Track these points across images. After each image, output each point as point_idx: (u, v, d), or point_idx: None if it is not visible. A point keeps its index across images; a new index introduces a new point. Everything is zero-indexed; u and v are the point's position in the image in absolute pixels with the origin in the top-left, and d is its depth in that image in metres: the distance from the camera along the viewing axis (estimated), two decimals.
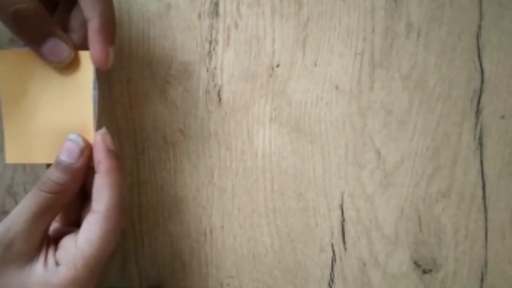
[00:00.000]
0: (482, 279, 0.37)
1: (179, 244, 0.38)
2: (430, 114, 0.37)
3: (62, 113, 0.30)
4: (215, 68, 0.37)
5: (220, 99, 0.37)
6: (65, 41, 0.29)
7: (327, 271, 0.37)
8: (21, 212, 0.28)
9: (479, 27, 0.37)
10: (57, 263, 0.29)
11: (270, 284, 0.37)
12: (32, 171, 0.37)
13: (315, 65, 0.37)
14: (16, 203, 0.37)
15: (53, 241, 0.30)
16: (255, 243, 0.37)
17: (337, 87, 0.37)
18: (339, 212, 0.37)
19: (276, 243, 0.37)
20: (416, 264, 0.37)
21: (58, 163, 0.29)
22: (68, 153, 0.29)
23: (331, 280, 0.37)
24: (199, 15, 0.37)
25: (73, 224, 0.33)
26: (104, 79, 0.36)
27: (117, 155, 0.30)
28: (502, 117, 0.37)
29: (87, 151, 0.30)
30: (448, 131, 0.37)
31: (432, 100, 0.37)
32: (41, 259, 0.28)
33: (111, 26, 0.30)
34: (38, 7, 0.28)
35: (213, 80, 0.37)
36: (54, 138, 0.30)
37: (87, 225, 0.29)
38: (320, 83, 0.37)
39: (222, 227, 0.37)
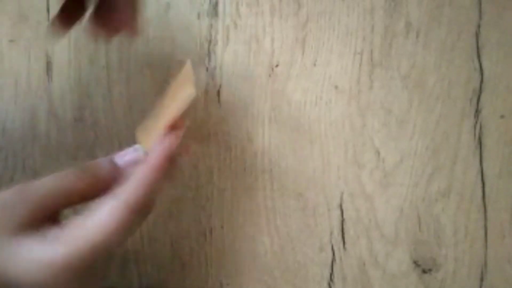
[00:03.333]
0: (481, 279, 0.37)
1: (179, 244, 0.38)
2: (430, 113, 0.37)
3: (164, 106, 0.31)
4: (215, 68, 0.37)
5: (219, 99, 0.37)
6: None
7: (326, 271, 0.37)
8: (41, 185, 0.26)
9: (479, 26, 0.37)
10: (57, 239, 0.25)
11: (270, 284, 0.37)
12: (31, 171, 0.37)
13: (315, 64, 0.37)
14: None
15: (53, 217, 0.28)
16: (255, 243, 0.37)
17: (336, 87, 0.37)
18: (339, 212, 0.37)
19: (275, 243, 0.37)
20: (416, 263, 0.37)
21: (108, 160, 0.29)
22: (128, 160, 0.29)
23: (331, 280, 0.37)
24: (198, 15, 0.37)
25: None
26: (105, 79, 0.36)
27: (173, 159, 0.29)
28: (502, 116, 0.37)
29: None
30: (447, 130, 0.37)
31: (432, 100, 0.37)
32: (39, 233, 0.25)
33: None
34: None
35: (212, 80, 0.37)
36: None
37: (107, 210, 0.26)
38: (320, 83, 0.37)
39: (222, 227, 0.37)
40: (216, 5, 0.37)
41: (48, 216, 0.27)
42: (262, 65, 0.37)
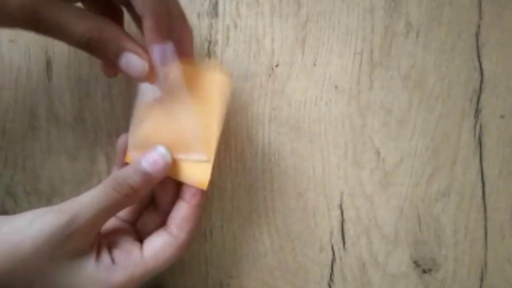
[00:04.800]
0: (481, 279, 0.37)
1: None
2: (430, 113, 0.37)
3: (188, 126, 0.31)
4: None
5: None
6: (137, 54, 0.29)
7: (326, 271, 0.37)
8: (89, 206, 0.28)
9: (479, 26, 0.37)
10: (113, 261, 0.29)
11: (270, 284, 0.37)
12: (31, 171, 0.37)
13: (314, 64, 0.37)
14: (16, 203, 0.37)
15: (104, 236, 0.31)
16: (255, 243, 0.37)
17: (336, 87, 0.37)
18: (339, 212, 0.37)
19: (275, 243, 0.37)
20: (416, 263, 0.37)
21: (139, 171, 0.29)
22: (153, 165, 0.30)
23: (331, 280, 0.37)
24: (198, 15, 0.37)
25: (125, 216, 0.33)
26: (104, 78, 0.36)
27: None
28: (502, 116, 0.37)
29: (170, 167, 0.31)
30: (447, 130, 0.37)
31: (432, 100, 0.37)
32: (93, 255, 0.29)
33: (165, 24, 0.29)
34: (107, 31, 0.28)
35: None
36: (172, 146, 0.31)
37: (161, 243, 0.30)
38: (320, 82, 0.37)
39: (222, 227, 0.37)
40: (216, 5, 0.37)
41: (98, 232, 0.30)
42: (262, 65, 0.37)
